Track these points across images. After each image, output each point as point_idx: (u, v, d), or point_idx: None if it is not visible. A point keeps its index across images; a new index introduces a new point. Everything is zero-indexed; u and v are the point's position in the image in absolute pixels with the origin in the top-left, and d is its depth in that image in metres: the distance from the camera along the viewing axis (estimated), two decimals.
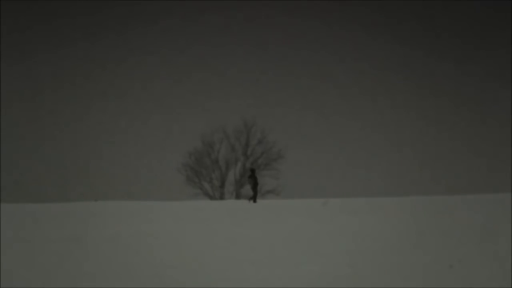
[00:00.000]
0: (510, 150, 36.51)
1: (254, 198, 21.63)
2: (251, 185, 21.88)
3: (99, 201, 24.01)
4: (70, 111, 47.80)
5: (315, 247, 9.05)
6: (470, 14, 50.35)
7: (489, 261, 7.47)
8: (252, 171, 22.23)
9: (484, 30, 50.06)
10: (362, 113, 49.04)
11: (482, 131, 46.26)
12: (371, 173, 43.64)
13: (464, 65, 49.27)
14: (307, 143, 46.69)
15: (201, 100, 50.21)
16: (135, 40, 50.72)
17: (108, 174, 43.98)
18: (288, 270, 7.48)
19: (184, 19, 50.09)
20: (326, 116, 49.58)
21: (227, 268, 7.68)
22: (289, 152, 43.82)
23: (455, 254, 8.00)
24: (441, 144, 45.92)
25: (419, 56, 49.87)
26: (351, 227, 11.51)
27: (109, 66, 48.64)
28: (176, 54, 50.94)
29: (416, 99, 48.68)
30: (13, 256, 8.72)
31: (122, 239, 10.40)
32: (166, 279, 7.14)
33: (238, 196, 43.64)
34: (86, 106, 47.82)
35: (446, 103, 48.82)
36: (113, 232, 11.34)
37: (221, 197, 44.27)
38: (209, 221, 13.64)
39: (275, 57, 52.03)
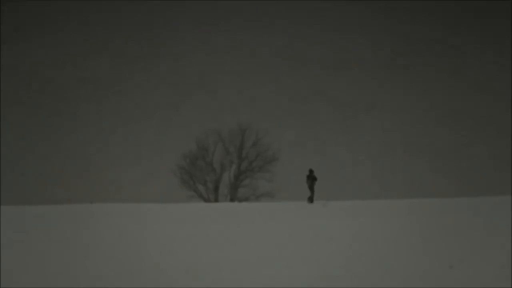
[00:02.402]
0: (510, 152, 36.56)
1: (311, 198, 21.82)
2: (308, 184, 22.11)
3: (94, 203, 24.00)
4: (66, 113, 47.85)
5: (312, 249, 9.05)
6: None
7: (489, 261, 7.48)
8: (311, 171, 22.47)
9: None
10: (359, 114, 49.15)
11: (482, 132, 46.37)
12: (367, 176, 43.72)
13: (467, 70, 49.44)
14: (302, 145, 46.78)
15: (195, 103, 50.29)
16: (131, 44, 50.79)
17: (103, 177, 44.01)
18: (284, 272, 7.48)
19: (179, 22, 50.19)
20: (322, 118, 49.67)
21: (222, 270, 7.68)
22: (284, 155, 43.88)
23: (456, 255, 8.00)
24: (441, 146, 46.01)
25: (420, 59, 50.03)
26: (350, 229, 11.52)
27: (105, 69, 48.70)
28: (171, 56, 51.02)
29: (416, 100, 48.78)
30: (12, 257, 8.72)
31: (117, 241, 10.40)
32: (160, 280, 7.13)
33: (232, 199, 43.71)
34: (82, 109, 47.88)
35: (447, 105, 48.95)
36: (108, 234, 11.33)
37: (216, 200, 44.33)
38: (203, 223, 13.65)
39: (269, 59, 52.15)
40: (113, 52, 49.67)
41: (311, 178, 22.07)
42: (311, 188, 21.90)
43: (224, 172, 45.13)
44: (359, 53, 49.73)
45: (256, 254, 8.62)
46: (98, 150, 44.76)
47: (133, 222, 14.25)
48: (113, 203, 23.57)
